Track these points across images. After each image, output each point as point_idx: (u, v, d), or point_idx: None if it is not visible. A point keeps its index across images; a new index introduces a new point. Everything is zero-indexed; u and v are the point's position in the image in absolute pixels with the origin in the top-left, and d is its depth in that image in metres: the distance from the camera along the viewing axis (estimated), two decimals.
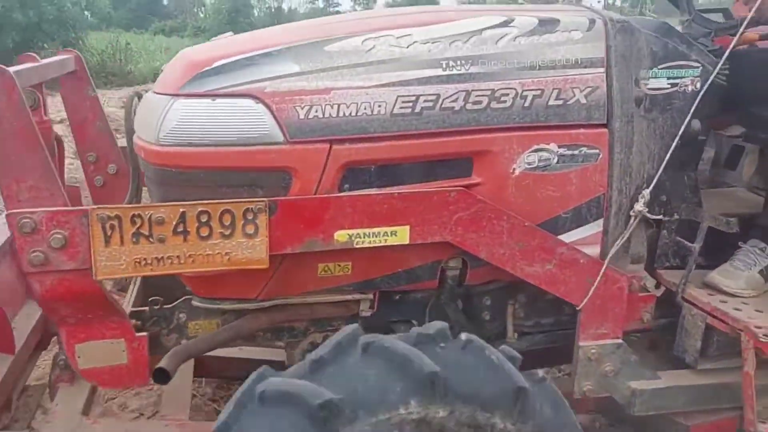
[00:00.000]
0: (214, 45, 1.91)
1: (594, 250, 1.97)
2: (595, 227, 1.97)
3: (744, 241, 2.21)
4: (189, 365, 2.39)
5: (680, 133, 1.95)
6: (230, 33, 2.05)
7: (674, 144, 1.95)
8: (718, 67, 1.95)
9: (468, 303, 2.15)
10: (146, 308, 1.96)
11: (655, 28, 2.01)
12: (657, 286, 2.17)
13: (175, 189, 1.72)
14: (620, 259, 2.07)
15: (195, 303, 1.92)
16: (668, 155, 1.94)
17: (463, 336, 1.52)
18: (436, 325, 1.57)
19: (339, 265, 1.86)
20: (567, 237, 1.95)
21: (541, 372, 1.58)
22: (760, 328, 1.87)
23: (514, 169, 1.85)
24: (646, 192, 1.90)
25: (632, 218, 1.91)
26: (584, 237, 1.97)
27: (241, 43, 1.83)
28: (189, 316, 1.97)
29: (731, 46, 1.97)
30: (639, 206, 1.89)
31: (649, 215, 1.90)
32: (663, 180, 2.15)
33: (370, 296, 1.97)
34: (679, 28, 2.31)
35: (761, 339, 1.84)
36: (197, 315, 1.97)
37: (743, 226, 2.18)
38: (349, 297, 1.95)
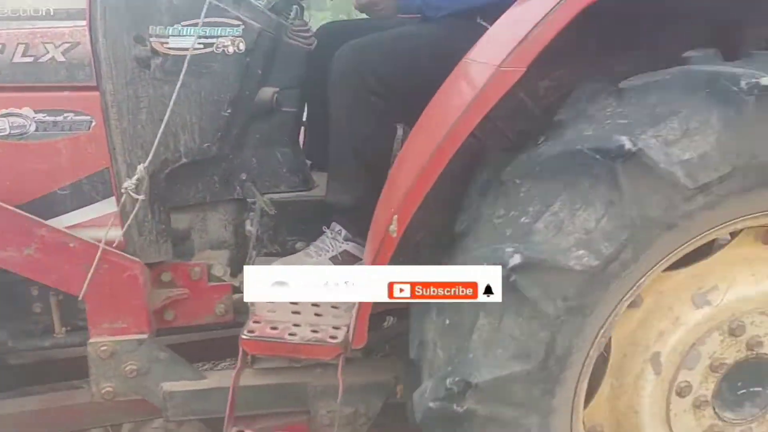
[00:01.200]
0: None
1: (114, 233, 1.71)
2: (107, 207, 1.72)
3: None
4: None
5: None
6: None
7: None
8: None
9: (8, 292, 1.89)
10: None
11: None
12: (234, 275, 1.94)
13: None
14: (159, 245, 1.83)
15: None
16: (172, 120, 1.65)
17: None
18: None
19: None
20: (71, 218, 1.71)
21: None
22: (257, 323, 1.64)
23: None
24: (141, 167, 1.64)
25: (123, 196, 1.64)
26: (95, 218, 1.73)
27: None
28: None
29: None
30: (127, 183, 1.63)
31: (134, 194, 1.63)
32: (248, 157, 1.92)
33: None
34: None
35: (243, 336, 1.61)
36: None
37: None
38: None
